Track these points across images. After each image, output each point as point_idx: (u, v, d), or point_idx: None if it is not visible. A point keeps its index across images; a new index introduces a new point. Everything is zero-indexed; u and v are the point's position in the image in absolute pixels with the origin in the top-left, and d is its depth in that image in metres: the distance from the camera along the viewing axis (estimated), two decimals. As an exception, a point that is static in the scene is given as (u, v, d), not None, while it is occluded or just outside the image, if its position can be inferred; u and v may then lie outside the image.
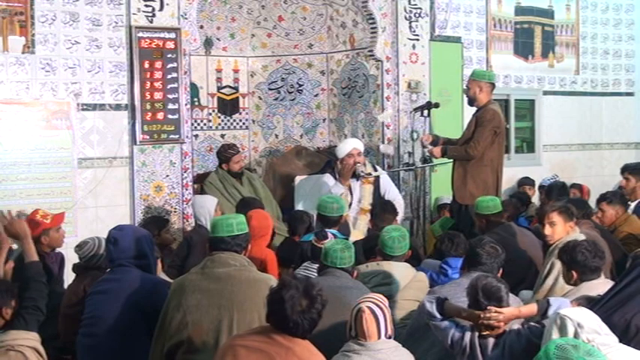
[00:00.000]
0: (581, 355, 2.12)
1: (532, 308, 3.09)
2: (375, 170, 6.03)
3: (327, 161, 6.95)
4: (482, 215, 4.93)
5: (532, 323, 3.05)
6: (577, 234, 4.22)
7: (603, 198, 5.42)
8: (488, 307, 3.03)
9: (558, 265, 3.89)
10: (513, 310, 3.07)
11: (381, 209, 5.37)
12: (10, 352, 3.10)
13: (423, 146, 6.05)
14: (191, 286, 3.18)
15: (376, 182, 5.94)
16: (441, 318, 3.17)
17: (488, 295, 3.05)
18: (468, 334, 3.09)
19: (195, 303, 3.13)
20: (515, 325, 3.07)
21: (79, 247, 4.24)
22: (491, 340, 3.05)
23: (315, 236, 4.33)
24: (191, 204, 5.63)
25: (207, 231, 5.08)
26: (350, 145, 5.90)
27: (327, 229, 4.73)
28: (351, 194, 5.85)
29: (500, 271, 3.63)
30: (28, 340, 3.20)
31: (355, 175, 5.84)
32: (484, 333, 3.06)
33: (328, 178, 5.92)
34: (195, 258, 4.67)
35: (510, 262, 4.19)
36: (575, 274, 3.57)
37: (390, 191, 6.03)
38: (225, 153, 6.35)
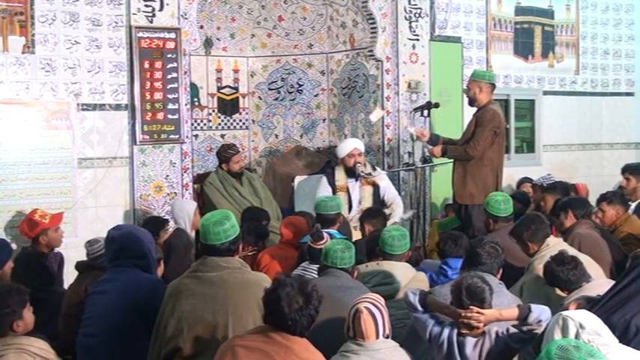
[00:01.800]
0: (583, 356, 2.12)
1: (513, 312, 3.10)
2: (375, 170, 6.03)
3: (327, 161, 6.95)
4: (492, 215, 4.84)
5: (512, 328, 3.06)
6: (559, 244, 4.23)
7: (603, 198, 5.41)
8: (470, 307, 3.04)
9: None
10: (494, 312, 3.07)
11: (367, 214, 5.35)
12: (24, 355, 3.07)
13: (413, 139, 6.09)
14: (185, 290, 3.16)
15: (376, 183, 5.94)
16: (423, 311, 3.18)
17: (471, 295, 3.06)
18: (446, 331, 3.10)
19: (190, 308, 3.11)
20: (494, 328, 3.08)
21: (89, 244, 4.27)
22: (469, 339, 3.06)
23: (310, 237, 4.31)
24: (171, 208, 5.62)
25: (187, 234, 5.13)
26: (351, 145, 5.90)
27: (325, 229, 4.73)
28: (350, 196, 5.85)
29: (500, 271, 3.63)
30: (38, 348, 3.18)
31: (355, 176, 5.84)
32: (463, 332, 3.07)
33: (324, 187, 5.91)
34: (175, 262, 4.70)
35: (510, 266, 4.21)
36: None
37: (389, 192, 6.03)
38: (225, 153, 6.35)
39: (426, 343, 3.20)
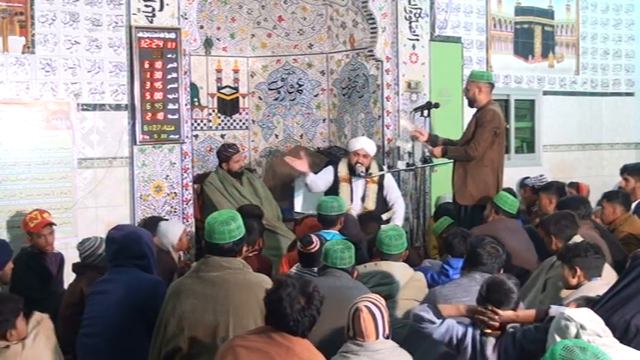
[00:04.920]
0: (588, 358, 2.09)
1: (530, 314, 3.09)
2: (381, 170, 6.04)
3: (327, 161, 6.94)
4: (496, 206, 4.97)
5: (526, 327, 3.06)
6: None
7: (605, 196, 5.46)
8: (486, 305, 3.05)
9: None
10: (510, 314, 3.07)
11: (367, 217, 5.40)
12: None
13: (413, 138, 6.10)
14: (186, 290, 3.17)
15: (380, 182, 5.96)
16: (440, 321, 3.16)
17: (491, 291, 3.07)
18: (470, 330, 3.10)
19: (191, 308, 3.12)
20: (511, 328, 3.08)
21: (80, 244, 4.29)
22: (491, 340, 3.06)
23: (300, 242, 4.25)
24: (157, 231, 5.15)
25: (170, 257, 4.93)
26: (358, 145, 5.91)
27: (326, 230, 4.73)
28: (352, 193, 5.88)
29: (501, 272, 3.63)
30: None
31: (354, 174, 5.87)
32: (486, 331, 3.07)
33: (328, 172, 5.99)
34: None
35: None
36: (579, 271, 3.59)
37: (392, 192, 6.04)
38: (225, 152, 6.36)
39: (426, 344, 3.19)
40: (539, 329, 3.00)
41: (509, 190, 5.99)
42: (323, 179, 5.95)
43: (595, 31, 8.66)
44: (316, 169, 6.91)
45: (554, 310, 3.03)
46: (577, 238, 4.20)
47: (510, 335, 3.05)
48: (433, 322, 3.12)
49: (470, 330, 3.09)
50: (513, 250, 4.51)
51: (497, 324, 3.05)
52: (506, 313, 3.06)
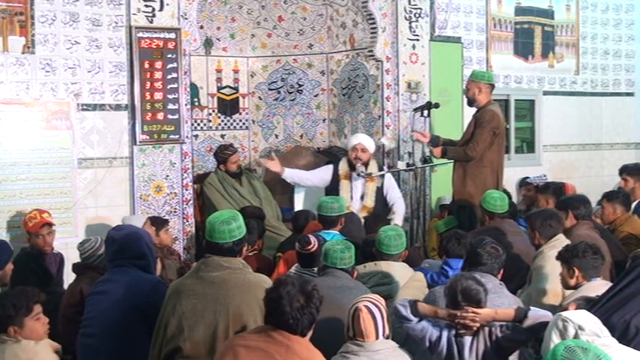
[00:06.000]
0: (590, 358, 2.08)
1: (509, 313, 3.11)
2: (381, 170, 6.04)
3: (326, 161, 6.94)
4: (487, 211, 4.90)
5: (504, 328, 3.07)
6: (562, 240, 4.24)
7: (605, 195, 5.46)
8: (466, 307, 3.05)
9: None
10: (490, 312, 3.09)
11: (375, 220, 5.41)
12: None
13: (413, 140, 6.13)
14: (186, 290, 3.18)
15: (380, 182, 5.96)
16: (417, 320, 3.16)
17: (467, 297, 3.07)
18: (445, 333, 3.11)
19: (191, 308, 3.12)
20: (487, 326, 3.09)
21: (80, 244, 4.29)
22: (467, 339, 3.08)
23: (298, 242, 4.25)
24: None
25: None
26: (355, 140, 5.96)
27: (326, 230, 4.73)
28: (352, 192, 5.89)
29: (502, 272, 3.63)
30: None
31: (354, 170, 5.88)
32: (461, 332, 3.08)
33: (326, 169, 6.07)
34: None
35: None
36: (577, 272, 3.60)
37: (392, 193, 6.04)
38: (222, 154, 6.38)
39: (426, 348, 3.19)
40: (517, 329, 3.04)
41: (502, 191, 6.00)
42: (317, 175, 6.02)
43: (595, 31, 8.66)
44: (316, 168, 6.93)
45: (532, 312, 3.05)
46: (560, 237, 4.24)
47: (487, 333, 3.06)
48: (409, 320, 3.14)
49: (445, 333, 3.11)
50: (520, 250, 4.60)
51: (478, 324, 3.06)
52: (486, 312, 3.07)
